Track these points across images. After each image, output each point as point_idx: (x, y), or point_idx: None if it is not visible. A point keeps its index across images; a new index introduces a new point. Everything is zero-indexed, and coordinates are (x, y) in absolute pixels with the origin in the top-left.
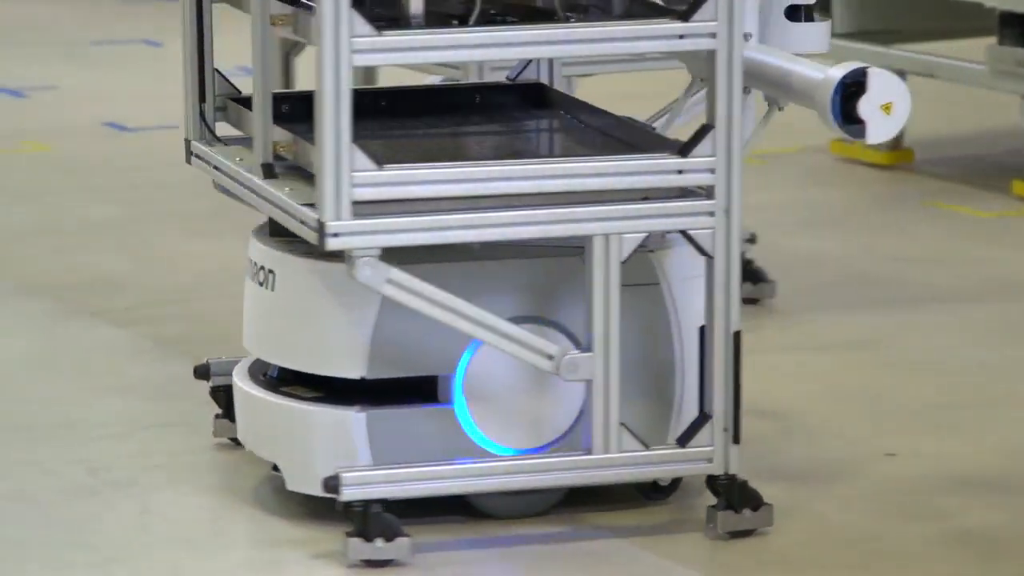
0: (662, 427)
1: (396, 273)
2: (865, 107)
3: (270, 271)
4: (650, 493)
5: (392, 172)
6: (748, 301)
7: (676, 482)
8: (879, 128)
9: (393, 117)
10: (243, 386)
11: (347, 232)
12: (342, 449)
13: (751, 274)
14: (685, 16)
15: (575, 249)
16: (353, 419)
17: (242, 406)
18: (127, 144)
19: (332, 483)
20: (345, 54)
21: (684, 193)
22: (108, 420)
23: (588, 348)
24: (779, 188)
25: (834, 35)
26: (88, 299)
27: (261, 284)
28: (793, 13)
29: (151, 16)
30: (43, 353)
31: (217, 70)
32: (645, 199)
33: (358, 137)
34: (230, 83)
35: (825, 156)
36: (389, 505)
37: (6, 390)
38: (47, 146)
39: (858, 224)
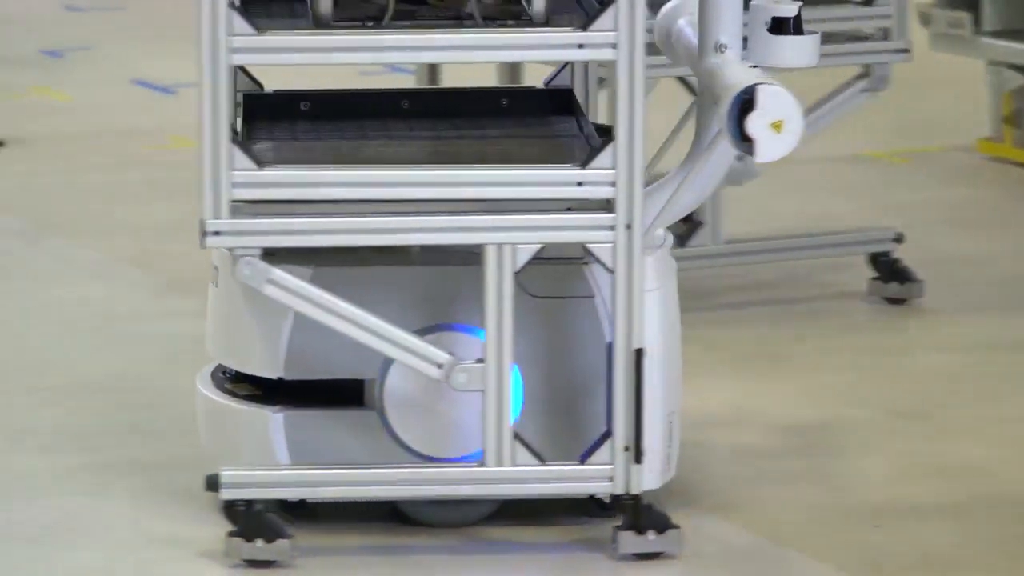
0: (590, 443)
1: (277, 273)
2: (754, 124)
3: (216, 268)
4: (594, 510)
5: (273, 173)
6: (895, 301)
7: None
8: (768, 147)
9: (400, 119)
10: (198, 383)
11: (228, 231)
12: (261, 448)
13: (898, 273)
14: (585, 25)
15: None
16: (271, 419)
17: (198, 404)
18: None
19: (212, 481)
20: (223, 53)
21: (608, 205)
22: None
23: (482, 358)
24: (925, 187)
25: (982, 33)
26: None
27: (213, 282)
28: (779, 26)
29: None
30: (195, 348)
31: (241, 67)
32: (569, 210)
33: (325, 136)
34: (252, 79)
35: (972, 155)
36: (309, 507)
37: (159, 386)
38: (196, 142)
39: (1006, 224)
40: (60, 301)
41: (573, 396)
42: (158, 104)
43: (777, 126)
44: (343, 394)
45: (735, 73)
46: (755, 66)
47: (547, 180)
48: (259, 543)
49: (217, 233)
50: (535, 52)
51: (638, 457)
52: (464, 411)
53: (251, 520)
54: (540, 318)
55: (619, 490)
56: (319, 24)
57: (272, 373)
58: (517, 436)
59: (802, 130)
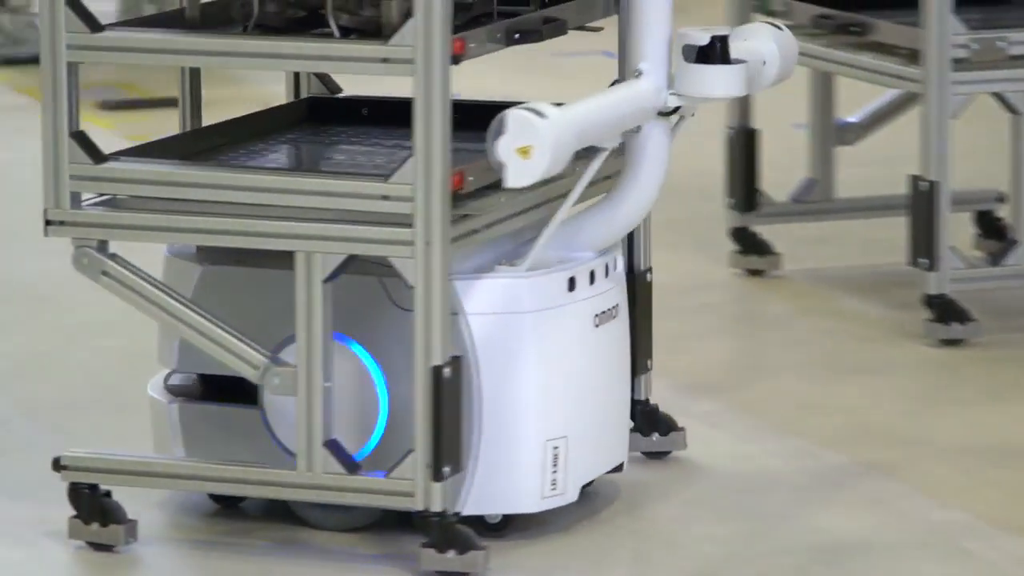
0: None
1: (111, 266)
2: (502, 149)
3: None
4: (481, 531)
5: (106, 167)
6: None
7: (507, 520)
8: (515, 172)
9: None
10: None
11: (68, 222)
12: (165, 438)
13: None
14: (387, 39)
15: (380, 268)
16: (168, 409)
17: None
18: None
19: (56, 463)
20: (61, 50)
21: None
22: None
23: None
24: None
25: None
26: None
27: None
28: (704, 55)
29: (612, 28)
30: None
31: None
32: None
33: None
34: (324, 83)
35: None
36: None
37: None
38: None
39: None
40: None
41: None
42: None
43: (524, 152)
44: (247, 392)
45: (597, 99)
46: (676, 94)
47: (354, 192)
48: (95, 527)
49: (62, 223)
50: (339, 64)
51: (437, 475)
52: (352, 413)
53: (89, 504)
54: (409, 330)
55: (419, 506)
56: (190, 25)
57: (169, 365)
58: (328, 444)
59: (550, 157)
